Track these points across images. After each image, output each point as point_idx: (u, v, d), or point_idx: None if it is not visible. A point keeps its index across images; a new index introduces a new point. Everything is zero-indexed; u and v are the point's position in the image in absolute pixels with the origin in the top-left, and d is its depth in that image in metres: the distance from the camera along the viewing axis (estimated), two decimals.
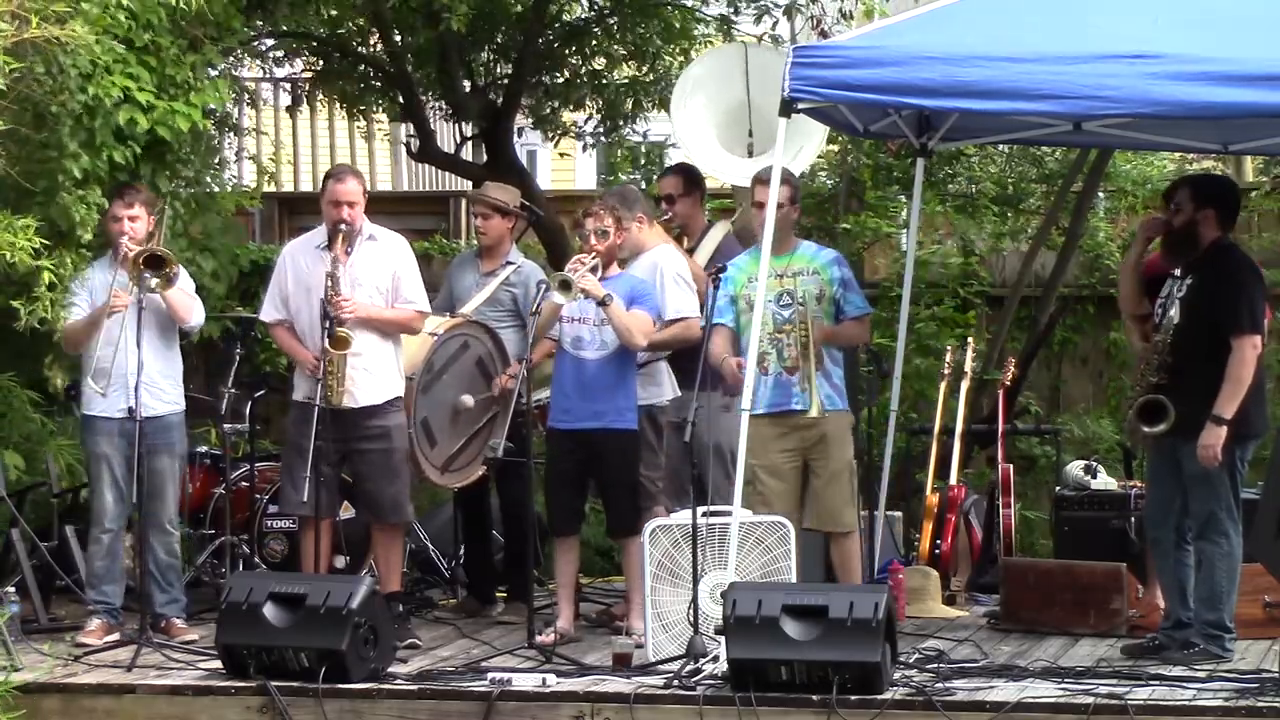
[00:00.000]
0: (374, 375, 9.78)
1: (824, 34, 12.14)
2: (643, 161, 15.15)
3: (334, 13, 12.53)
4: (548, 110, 13.54)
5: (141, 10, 9.72)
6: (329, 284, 9.63)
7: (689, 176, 10.73)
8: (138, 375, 9.54)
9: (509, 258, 10.70)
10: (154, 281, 9.62)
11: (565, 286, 9.48)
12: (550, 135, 13.86)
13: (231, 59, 11.48)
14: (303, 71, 13.92)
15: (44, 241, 9.36)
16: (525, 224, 11.19)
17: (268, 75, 14.89)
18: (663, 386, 10.10)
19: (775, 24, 12.19)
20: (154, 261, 9.64)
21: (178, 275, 9.73)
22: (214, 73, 10.56)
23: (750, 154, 10.92)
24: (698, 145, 11.00)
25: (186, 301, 9.90)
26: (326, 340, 9.58)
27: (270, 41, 13.16)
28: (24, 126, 9.47)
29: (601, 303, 9.60)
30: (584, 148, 14.50)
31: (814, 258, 9.80)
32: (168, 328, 9.92)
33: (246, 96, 14.41)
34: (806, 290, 9.66)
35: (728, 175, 11.22)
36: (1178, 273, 9.31)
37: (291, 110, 14.15)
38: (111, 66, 9.63)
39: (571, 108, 13.57)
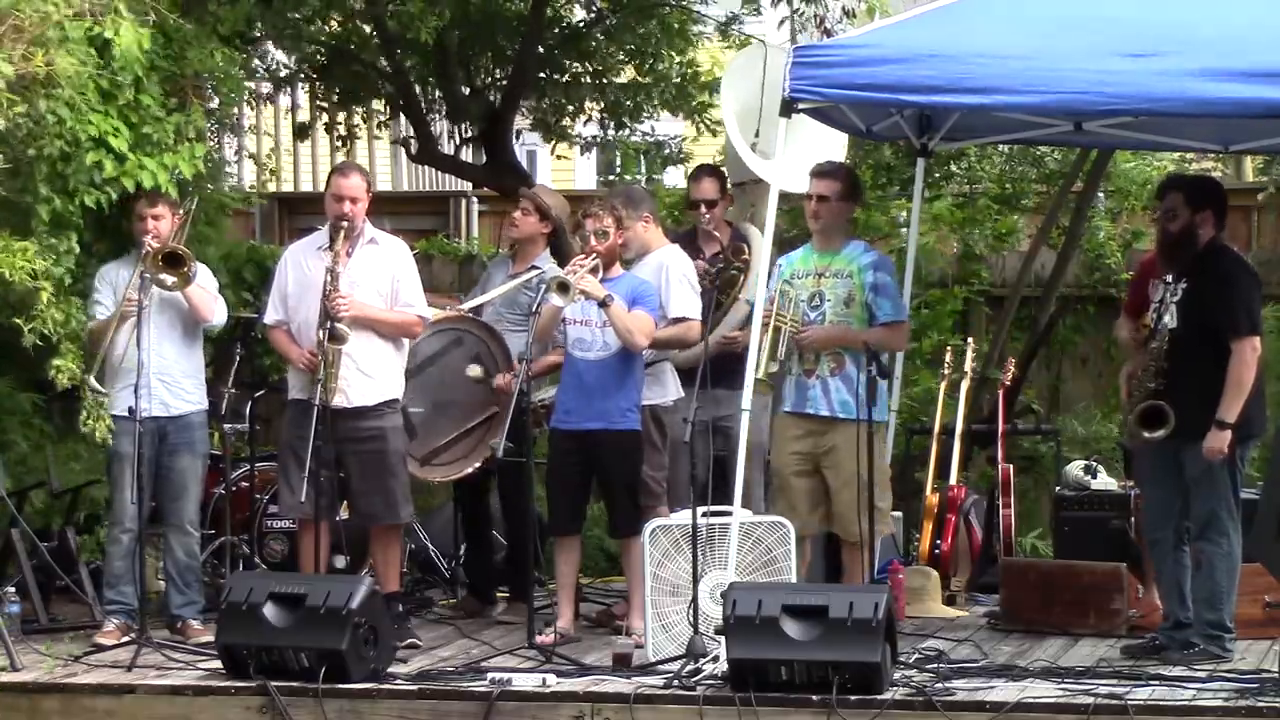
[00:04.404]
0: (369, 376, 9.75)
1: (828, 33, 12.13)
2: (643, 164, 15.15)
3: (333, 15, 12.58)
4: (548, 115, 13.53)
5: (123, 64, 9.64)
6: (328, 279, 9.63)
7: (723, 179, 10.71)
8: (138, 375, 9.54)
9: (536, 262, 10.71)
10: (170, 280, 9.64)
11: (563, 288, 9.48)
12: (550, 139, 13.84)
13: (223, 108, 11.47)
14: (304, 79, 13.92)
15: (42, 261, 9.34)
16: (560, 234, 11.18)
17: (266, 75, 14.88)
18: (667, 387, 10.08)
19: (781, 23, 12.18)
20: (172, 259, 9.66)
21: (196, 273, 9.75)
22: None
23: (753, 151, 10.88)
24: (742, 140, 10.94)
25: (208, 299, 9.91)
26: (323, 336, 9.57)
27: (273, 50, 13.19)
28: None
29: (602, 304, 9.59)
30: (581, 151, 14.51)
31: (854, 259, 9.79)
32: (190, 326, 9.94)
33: (246, 96, 14.41)
34: (834, 293, 9.68)
35: (763, 172, 11.07)
36: (1169, 278, 9.30)
37: (298, 136, 14.13)
38: (89, 112, 9.58)
39: (572, 109, 13.56)
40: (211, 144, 11.77)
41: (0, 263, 9.20)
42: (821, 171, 9.86)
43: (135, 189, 9.85)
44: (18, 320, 9.47)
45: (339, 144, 14.16)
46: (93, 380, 9.75)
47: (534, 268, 10.66)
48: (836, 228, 9.85)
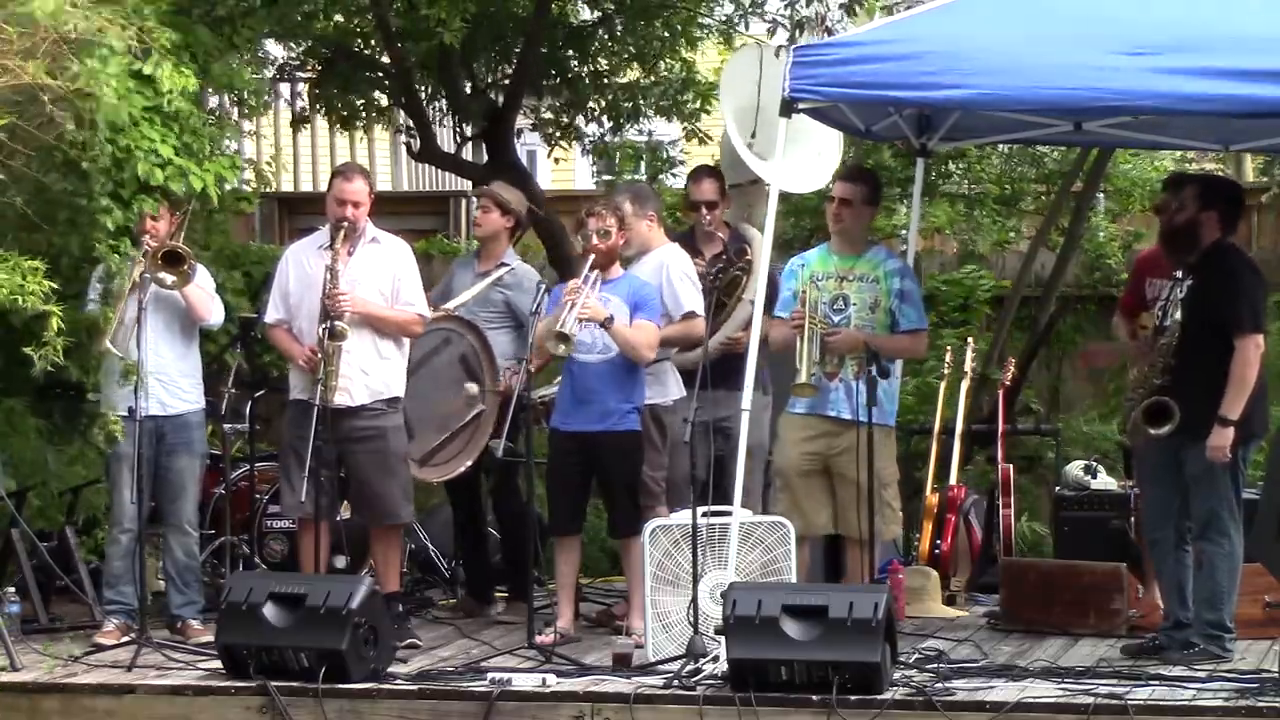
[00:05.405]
0: (370, 375, 9.76)
1: (829, 31, 12.12)
2: (643, 166, 15.12)
3: (338, 18, 12.57)
4: (549, 115, 13.52)
5: (174, 80, 9.73)
6: (328, 278, 9.63)
7: (723, 181, 10.70)
8: (138, 374, 9.55)
9: (504, 259, 10.72)
10: (170, 279, 9.65)
11: (564, 340, 9.48)
12: (551, 140, 13.82)
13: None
14: (305, 76, 13.90)
15: (53, 286, 9.25)
16: (524, 227, 11.19)
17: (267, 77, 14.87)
18: (668, 387, 10.07)
19: (791, 37, 12.16)
20: (172, 258, 9.68)
21: (195, 272, 9.75)
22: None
23: (750, 151, 10.86)
24: (740, 141, 10.93)
25: (205, 299, 9.92)
26: (323, 333, 9.57)
27: (273, 49, 13.17)
28: (54, 171, 9.51)
29: (604, 325, 9.58)
30: (583, 152, 14.49)
31: (879, 264, 9.81)
32: (187, 326, 9.95)
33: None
34: (860, 298, 9.69)
35: (762, 172, 11.06)
36: (1178, 274, 9.31)
37: (295, 125, 14.12)
38: (139, 120, 9.66)
39: (573, 110, 13.54)
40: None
41: (2, 284, 9.11)
42: (846, 175, 9.92)
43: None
44: (29, 350, 9.31)
45: (338, 128, 14.12)
46: (108, 344, 9.73)
47: (503, 264, 10.67)
48: (858, 232, 9.88)
